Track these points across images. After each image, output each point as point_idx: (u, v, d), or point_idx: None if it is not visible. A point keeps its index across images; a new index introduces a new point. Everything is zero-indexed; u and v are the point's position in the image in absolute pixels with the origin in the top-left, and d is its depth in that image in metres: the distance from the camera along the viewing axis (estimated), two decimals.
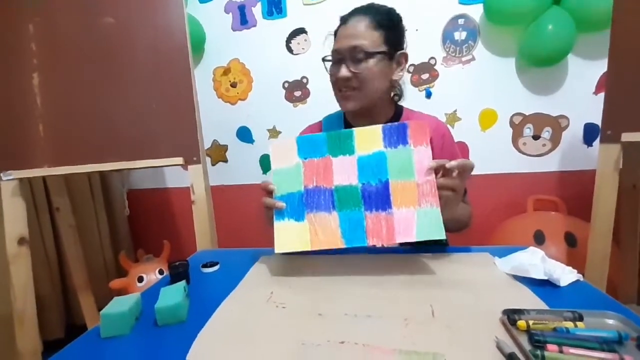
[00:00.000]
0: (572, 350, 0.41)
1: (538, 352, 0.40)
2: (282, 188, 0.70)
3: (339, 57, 0.81)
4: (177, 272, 0.68)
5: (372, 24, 0.79)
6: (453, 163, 0.63)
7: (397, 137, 0.68)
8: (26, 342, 1.06)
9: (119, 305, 0.54)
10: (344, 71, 0.80)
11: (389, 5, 0.85)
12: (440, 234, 0.61)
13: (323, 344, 0.46)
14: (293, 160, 0.71)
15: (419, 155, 0.66)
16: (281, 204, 0.69)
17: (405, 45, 0.87)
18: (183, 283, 0.60)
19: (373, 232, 0.63)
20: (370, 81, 0.81)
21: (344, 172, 0.68)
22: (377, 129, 0.69)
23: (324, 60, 0.85)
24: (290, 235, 0.67)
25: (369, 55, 0.79)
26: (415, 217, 0.62)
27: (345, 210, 0.66)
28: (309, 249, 0.65)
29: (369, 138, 0.69)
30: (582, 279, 0.61)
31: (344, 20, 0.83)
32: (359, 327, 0.49)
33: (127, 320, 0.52)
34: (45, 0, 1.07)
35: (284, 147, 0.73)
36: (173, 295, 0.55)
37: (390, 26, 0.81)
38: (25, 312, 1.06)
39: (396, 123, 0.69)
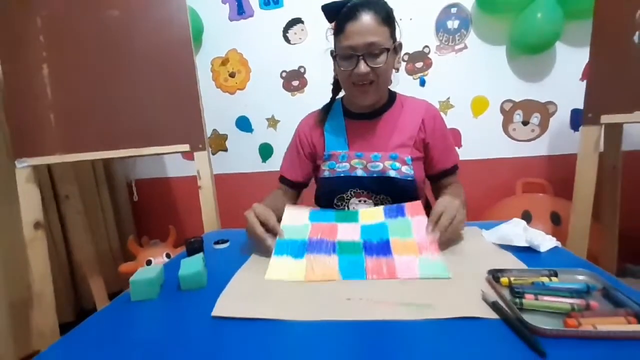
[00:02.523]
0: (546, 298, 0.47)
1: (517, 300, 0.47)
2: (286, 236, 0.72)
3: (353, 53, 0.83)
4: (193, 247, 0.73)
5: (380, 19, 0.82)
6: (440, 231, 0.66)
7: (396, 212, 0.77)
8: (45, 320, 1.12)
9: (146, 273, 0.59)
10: (363, 67, 0.83)
11: None
12: (445, 274, 0.58)
13: (331, 300, 0.52)
14: (302, 222, 0.77)
15: (417, 223, 0.72)
16: (269, 243, 0.69)
17: (399, 35, 0.91)
18: (201, 254, 0.66)
19: (373, 270, 0.61)
20: (384, 74, 0.86)
21: (347, 233, 0.73)
22: (379, 210, 0.79)
23: (335, 56, 0.88)
24: (284, 268, 0.63)
25: (383, 50, 0.83)
26: (417, 262, 0.62)
27: (346, 254, 0.66)
28: (302, 279, 0.60)
29: (371, 215, 0.78)
30: (560, 246, 0.68)
31: (351, 16, 0.83)
32: (362, 287, 0.56)
33: (154, 286, 0.58)
34: None
35: (297, 211, 0.81)
36: (194, 264, 0.61)
37: (390, 20, 0.85)
38: (43, 292, 1.12)
39: (395, 205, 0.80)
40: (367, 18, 0.81)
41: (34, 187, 1.13)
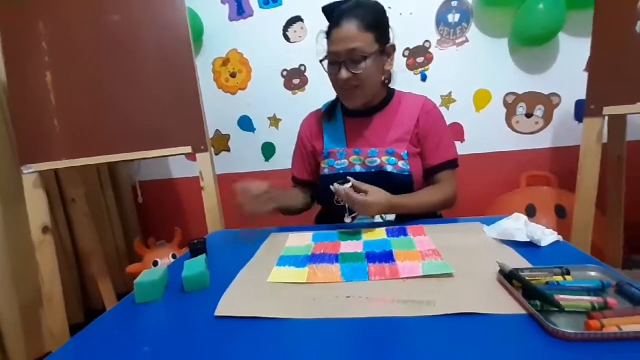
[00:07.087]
0: (563, 297, 0.45)
1: (533, 301, 0.45)
2: (289, 253, 0.73)
3: (336, 59, 0.86)
4: (197, 248, 0.74)
5: (363, 25, 0.83)
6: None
7: (398, 232, 0.79)
8: (55, 322, 1.14)
9: (150, 275, 0.60)
10: (344, 73, 0.85)
11: None
12: (448, 270, 0.58)
13: (332, 299, 0.53)
14: (306, 242, 0.79)
15: (419, 240, 0.74)
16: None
17: (391, 36, 0.91)
18: (204, 256, 0.67)
19: (375, 273, 0.61)
20: (368, 79, 0.87)
21: (350, 247, 0.74)
22: (381, 230, 0.82)
23: (321, 61, 0.90)
24: (285, 273, 0.64)
25: (365, 56, 0.83)
26: (420, 264, 0.62)
27: (348, 262, 0.66)
28: (304, 281, 0.60)
29: (374, 234, 0.80)
30: (561, 240, 0.68)
31: (335, 22, 0.85)
32: (362, 285, 0.57)
33: (158, 288, 0.59)
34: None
35: (301, 236, 0.83)
36: (196, 266, 0.62)
37: (378, 24, 0.85)
38: (53, 294, 1.15)
39: (397, 226, 0.82)
40: (349, 25, 0.83)
41: (41, 192, 1.15)
